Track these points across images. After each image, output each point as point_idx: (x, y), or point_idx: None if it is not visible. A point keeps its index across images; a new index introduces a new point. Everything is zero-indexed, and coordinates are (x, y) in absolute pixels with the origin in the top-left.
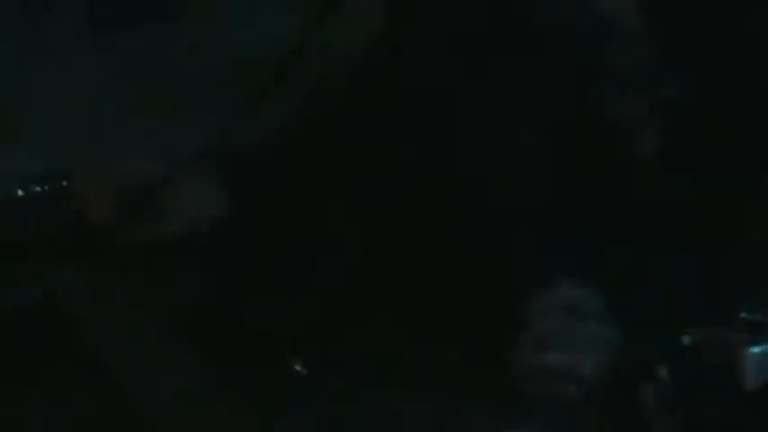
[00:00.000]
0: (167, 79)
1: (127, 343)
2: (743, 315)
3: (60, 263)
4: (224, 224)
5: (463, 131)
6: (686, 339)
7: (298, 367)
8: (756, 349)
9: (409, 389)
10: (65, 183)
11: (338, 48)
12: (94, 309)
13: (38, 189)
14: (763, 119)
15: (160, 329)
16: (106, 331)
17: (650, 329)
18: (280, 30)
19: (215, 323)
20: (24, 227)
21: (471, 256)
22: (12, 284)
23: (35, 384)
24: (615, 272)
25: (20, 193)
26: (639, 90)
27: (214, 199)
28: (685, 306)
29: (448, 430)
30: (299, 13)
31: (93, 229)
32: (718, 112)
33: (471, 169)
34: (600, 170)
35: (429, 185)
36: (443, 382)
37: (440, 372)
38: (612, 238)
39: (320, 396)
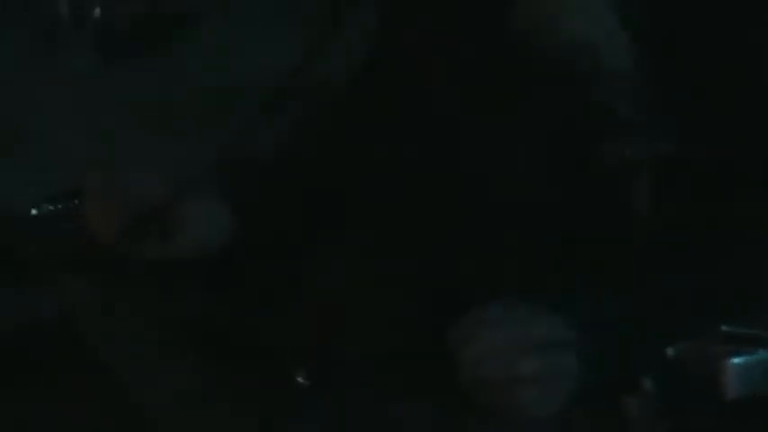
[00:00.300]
0: (173, 102)
1: (137, 358)
2: (724, 328)
3: (73, 279)
4: (229, 238)
5: (455, 158)
6: (670, 352)
7: (300, 378)
8: (737, 360)
9: (409, 393)
10: (77, 201)
11: (338, 69)
12: (106, 324)
13: (51, 207)
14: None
15: (169, 344)
16: (117, 346)
17: (635, 343)
18: (282, 53)
19: (219, 335)
20: (38, 244)
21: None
22: (24, 300)
23: (46, 398)
24: (599, 291)
25: (33, 211)
26: (637, 142)
27: (221, 215)
28: (669, 320)
29: None
30: (301, 36)
31: (103, 246)
32: (713, 170)
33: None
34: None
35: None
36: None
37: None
38: (597, 257)
39: (322, 403)
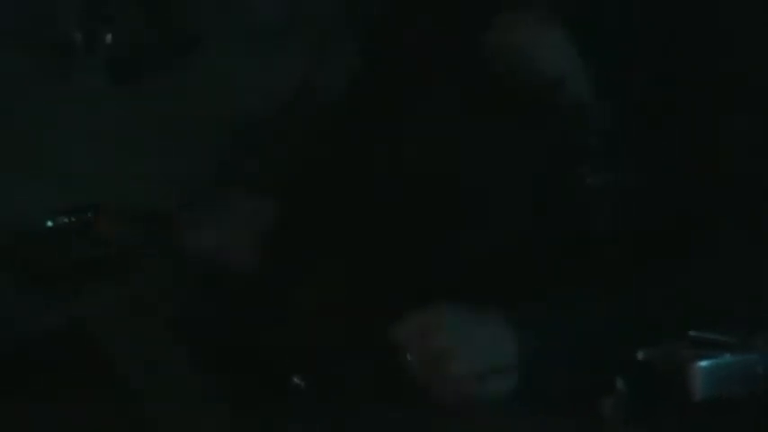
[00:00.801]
0: (179, 121)
1: (149, 365)
2: (691, 333)
3: (86, 289)
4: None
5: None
6: (641, 355)
7: (297, 381)
8: (704, 363)
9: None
10: (90, 215)
11: (330, 85)
12: (119, 332)
13: (66, 221)
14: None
15: (173, 347)
16: (129, 353)
17: (609, 347)
18: (280, 71)
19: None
20: (54, 255)
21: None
22: (41, 309)
23: (60, 399)
24: (578, 299)
25: (49, 224)
26: (595, 169)
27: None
28: (640, 326)
29: None
30: (295, 55)
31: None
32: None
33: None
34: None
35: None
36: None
37: None
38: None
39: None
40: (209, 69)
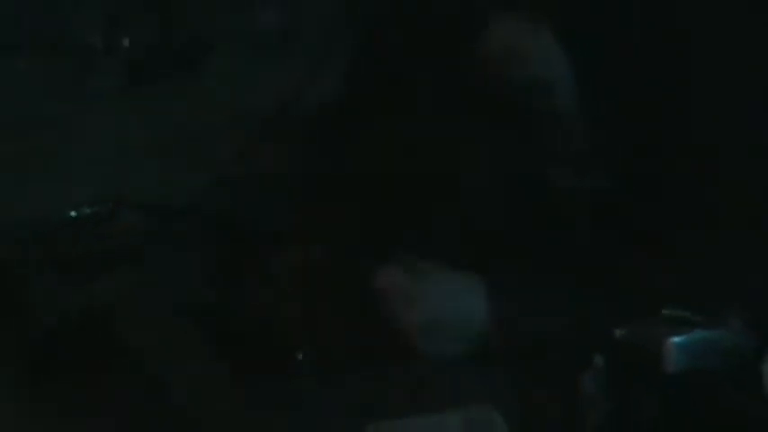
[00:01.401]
0: (194, 120)
1: (166, 348)
2: (664, 312)
3: (108, 276)
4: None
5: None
6: (618, 332)
7: (299, 356)
8: (677, 339)
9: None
10: (110, 206)
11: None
12: (138, 317)
13: (88, 211)
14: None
15: (191, 332)
16: (148, 337)
17: (587, 325)
18: (278, 82)
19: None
20: (76, 244)
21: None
22: (64, 296)
23: (85, 383)
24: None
25: (73, 214)
26: (577, 173)
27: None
28: (617, 305)
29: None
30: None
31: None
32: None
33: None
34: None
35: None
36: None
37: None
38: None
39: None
40: (221, 72)
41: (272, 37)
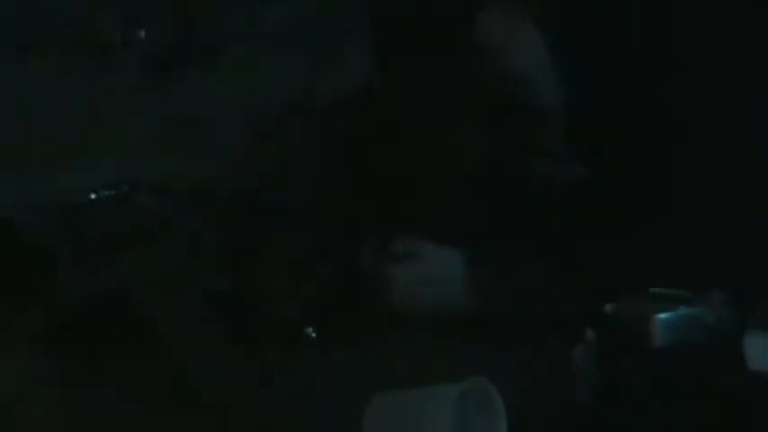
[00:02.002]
0: (202, 109)
1: (182, 326)
2: (651, 290)
3: (126, 256)
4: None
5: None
6: (608, 308)
7: (310, 332)
8: (663, 316)
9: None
10: (127, 188)
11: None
12: (156, 294)
13: (107, 194)
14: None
15: (205, 311)
16: (166, 312)
17: (579, 301)
18: (291, 75)
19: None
20: (97, 225)
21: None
22: (86, 274)
23: (100, 364)
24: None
25: (93, 196)
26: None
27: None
28: (607, 283)
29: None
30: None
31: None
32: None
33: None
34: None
35: None
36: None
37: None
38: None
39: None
40: (234, 66)
41: (283, 33)
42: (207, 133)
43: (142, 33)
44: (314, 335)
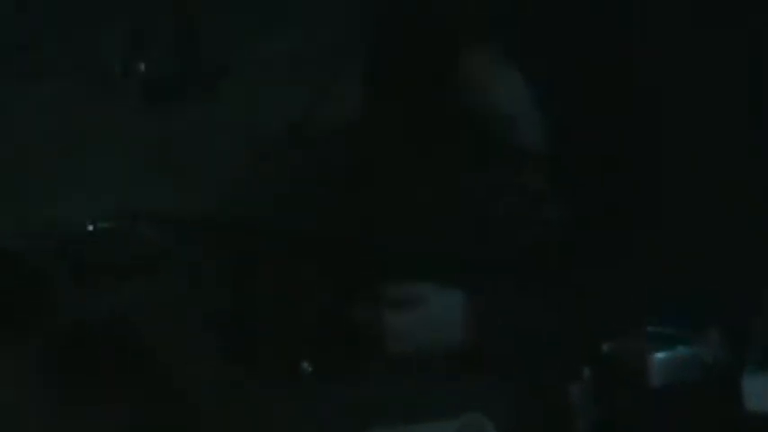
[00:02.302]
0: (202, 139)
1: (181, 353)
2: (649, 328)
3: (127, 285)
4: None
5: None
6: (605, 347)
7: (307, 366)
8: (660, 355)
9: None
10: (127, 217)
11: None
12: (155, 322)
13: (106, 225)
14: None
15: (204, 338)
16: (163, 339)
17: (576, 340)
18: (289, 104)
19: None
20: (97, 254)
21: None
22: (86, 303)
23: (100, 390)
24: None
25: (91, 228)
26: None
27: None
28: (604, 321)
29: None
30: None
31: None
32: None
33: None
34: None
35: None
36: None
37: None
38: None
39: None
40: (235, 94)
41: (284, 60)
42: (207, 162)
43: (143, 63)
44: (310, 369)
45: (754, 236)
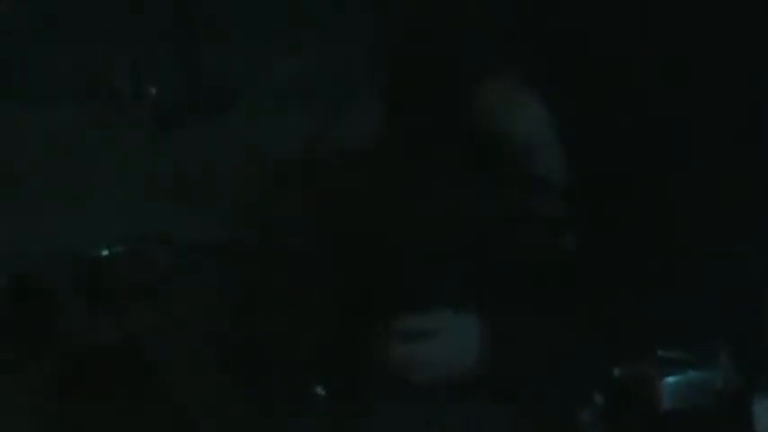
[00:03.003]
0: (218, 164)
1: (192, 377)
2: (659, 353)
3: (137, 308)
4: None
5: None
6: (616, 372)
7: (319, 390)
8: (670, 379)
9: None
10: (139, 243)
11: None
12: (166, 346)
13: (118, 249)
14: None
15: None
16: (174, 363)
17: (587, 365)
18: (299, 129)
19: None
20: (108, 277)
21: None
22: (97, 326)
23: (114, 411)
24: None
25: (103, 252)
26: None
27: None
28: (615, 346)
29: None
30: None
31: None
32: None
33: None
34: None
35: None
36: None
37: None
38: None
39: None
40: (244, 118)
41: (294, 84)
42: (218, 186)
43: (154, 88)
44: (322, 393)
45: (766, 261)
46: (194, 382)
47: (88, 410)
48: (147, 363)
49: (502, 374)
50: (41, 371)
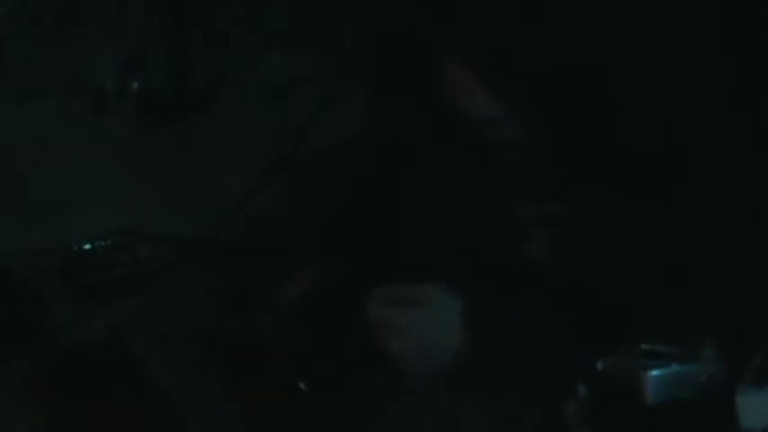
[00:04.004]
0: (201, 160)
1: (175, 369)
2: (643, 346)
3: (124, 303)
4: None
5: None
6: (600, 365)
7: (302, 385)
8: (654, 372)
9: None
10: (123, 237)
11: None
12: (152, 340)
13: (102, 243)
14: None
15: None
16: (157, 357)
17: (572, 358)
18: (285, 124)
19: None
20: (94, 272)
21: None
22: (81, 322)
23: (99, 401)
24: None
25: (88, 246)
26: (534, 201)
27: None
28: (599, 339)
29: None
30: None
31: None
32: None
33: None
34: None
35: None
36: None
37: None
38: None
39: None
40: (229, 114)
41: (279, 81)
42: (204, 180)
43: (137, 83)
44: (305, 387)
45: (749, 255)
46: (181, 376)
47: (74, 405)
48: (132, 358)
49: (485, 366)
50: (25, 366)
